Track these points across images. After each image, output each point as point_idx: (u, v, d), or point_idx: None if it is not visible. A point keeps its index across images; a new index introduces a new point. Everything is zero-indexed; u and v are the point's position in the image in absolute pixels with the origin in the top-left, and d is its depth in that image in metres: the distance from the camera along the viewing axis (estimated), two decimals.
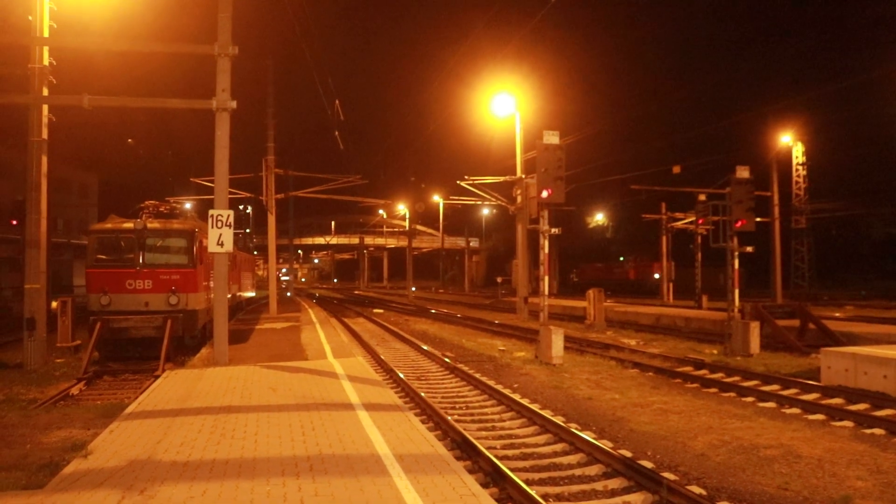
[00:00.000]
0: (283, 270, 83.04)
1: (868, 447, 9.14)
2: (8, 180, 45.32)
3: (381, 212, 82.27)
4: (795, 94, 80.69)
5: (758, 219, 20.76)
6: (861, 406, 11.69)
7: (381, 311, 41.31)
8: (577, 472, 8.25)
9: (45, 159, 16.80)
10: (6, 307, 37.18)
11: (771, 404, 12.15)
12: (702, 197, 36.27)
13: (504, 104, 31.21)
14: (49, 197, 17.28)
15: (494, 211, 78.68)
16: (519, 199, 30.74)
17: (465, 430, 9.70)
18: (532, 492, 6.95)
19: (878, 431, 10.02)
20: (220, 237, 13.54)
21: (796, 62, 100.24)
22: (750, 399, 12.68)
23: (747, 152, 43.47)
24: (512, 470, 7.73)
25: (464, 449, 8.87)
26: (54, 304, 19.35)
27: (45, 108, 16.78)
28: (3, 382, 14.34)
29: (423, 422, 10.01)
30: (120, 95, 15.59)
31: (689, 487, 7.36)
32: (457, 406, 12.22)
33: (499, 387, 13.35)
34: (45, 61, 16.72)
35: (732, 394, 13.25)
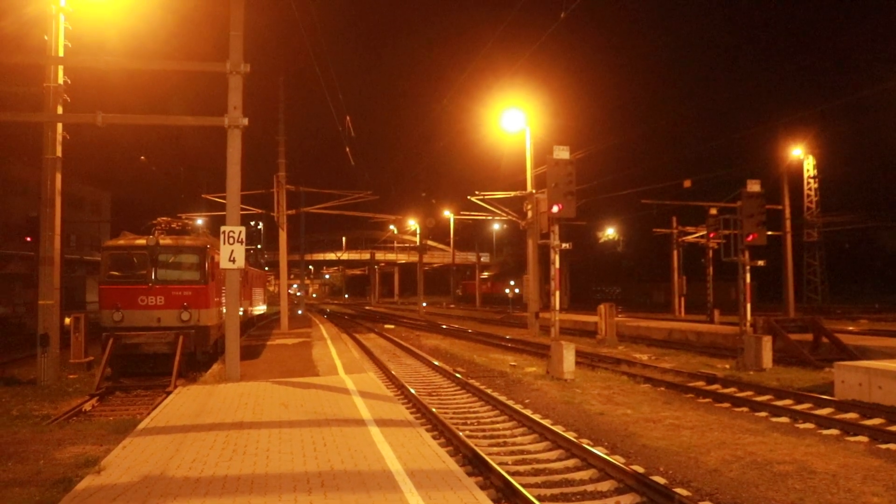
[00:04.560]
0: (295, 286, 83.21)
1: (883, 462, 9.05)
2: (22, 197, 45.83)
3: (391, 227, 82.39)
4: (806, 107, 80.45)
5: (769, 232, 20.69)
6: (876, 421, 11.57)
7: (392, 326, 41.30)
8: (590, 487, 8.21)
9: (59, 176, 16.98)
10: (20, 323, 37.47)
11: (784, 419, 12.05)
12: (713, 211, 36.18)
13: (514, 120, 31.28)
14: (62, 214, 17.44)
15: (505, 226, 78.63)
16: (529, 214, 30.75)
17: (476, 445, 9.67)
18: None
19: (893, 447, 9.92)
20: (231, 253, 13.62)
21: (807, 75, 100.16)
22: (763, 414, 12.58)
23: (758, 166, 43.46)
24: (523, 486, 7.70)
25: (475, 465, 8.84)
26: (67, 320, 19.49)
27: (60, 126, 16.98)
28: (17, 398, 14.44)
29: (434, 437, 10.00)
30: (133, 113, 15.75)
31: (701, 503, 7.32)
32: (468, 422, 12.19)
33: (510, 402, 13.31)
34: (60, 80, 16.95)
35: (745, 409, 13.15)
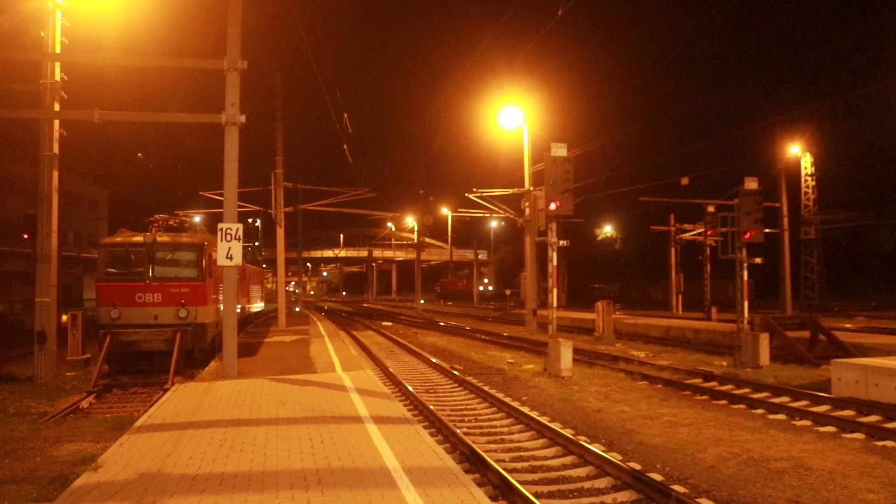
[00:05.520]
0: (293, 284, 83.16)
1: (880, 459, 9.07)
2: (19, 194, 45.78)
3: (389, 224, 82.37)
4: (804, 104, 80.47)
5: (767, 230, 20.69)
6: (872, 418, 11.60)
7: (389, 323, 41.31)
8: (587, 484, 8.23)
9: (56, 174, 16.93)
10: (17, 320, 37.45)
11: (781, 416, 12.08)
12: (710, 208, 36.21)
13: (512, 117, 31.25)
14: (60, 211, 17.39)
15: (503, 223, 78.76)
16: (527, 211, 30.77)
17: (473, 442, 9.68)
18: None
19: (889, 443, 9.94)
20: (229, 250, 13.60)
21: (805, 72, 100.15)
22: (760, 411, 12.61)
23: (756, 163, 43.45)
24: (521, 483, 7.71)
25: (472, 462, 8.85)
26: (65, 317, 19.46)
27: (57, 122, 16.92)
28: (14, 395, 14.42)
29: (431, 434, 10.00)
30: (130, 110, 15.71)
31: (698, 500, 7.34)
32: (465, 419, 12.20)
33: (507, 399, 13.32)
34: (57, 77, 16.89)
35: (742, 406, 13.18)
